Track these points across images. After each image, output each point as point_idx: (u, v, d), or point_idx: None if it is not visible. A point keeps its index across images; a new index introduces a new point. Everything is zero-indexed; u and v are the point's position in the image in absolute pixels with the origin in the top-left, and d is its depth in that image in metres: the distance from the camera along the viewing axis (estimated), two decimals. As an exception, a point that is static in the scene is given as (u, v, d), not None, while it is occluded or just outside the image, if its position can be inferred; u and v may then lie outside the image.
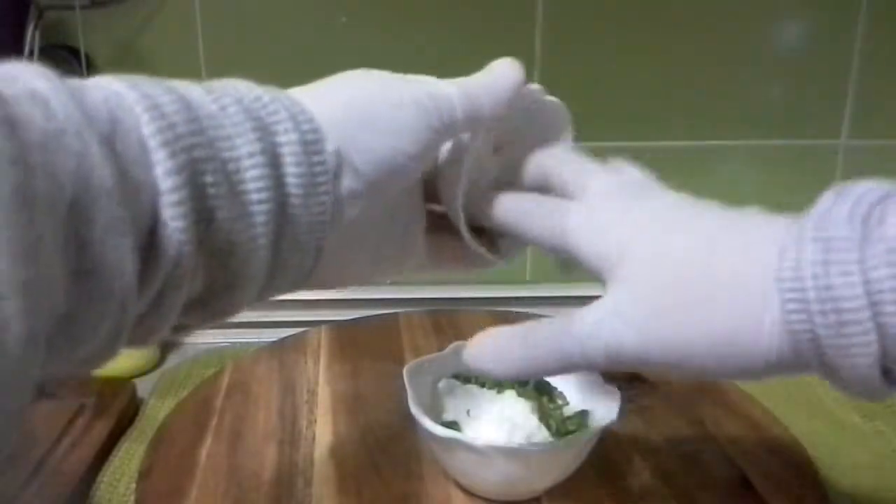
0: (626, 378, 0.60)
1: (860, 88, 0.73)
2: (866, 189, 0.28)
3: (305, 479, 0.49)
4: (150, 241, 0.25)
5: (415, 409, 0.46)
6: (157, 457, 0.51)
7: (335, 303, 0.75)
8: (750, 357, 0.29)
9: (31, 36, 0.64)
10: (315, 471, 0.49)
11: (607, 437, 0.50)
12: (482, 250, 0.37)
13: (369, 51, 0.69)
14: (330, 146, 0.29)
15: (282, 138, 0.29)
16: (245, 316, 0.82)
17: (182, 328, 0.30)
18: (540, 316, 0.71)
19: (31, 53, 0.64)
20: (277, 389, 0.59)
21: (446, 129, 0.33)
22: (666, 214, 0.32)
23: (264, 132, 0.28)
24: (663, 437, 0.53)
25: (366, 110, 0.31)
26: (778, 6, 0.71)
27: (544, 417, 0.46)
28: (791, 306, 0.27)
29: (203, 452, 0.51)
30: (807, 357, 0.28)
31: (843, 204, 0.28)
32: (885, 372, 0.28)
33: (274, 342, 0.67)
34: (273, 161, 0.28)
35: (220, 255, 0.28)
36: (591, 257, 0.32)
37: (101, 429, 0.55)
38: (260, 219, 0.28)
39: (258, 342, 0.68)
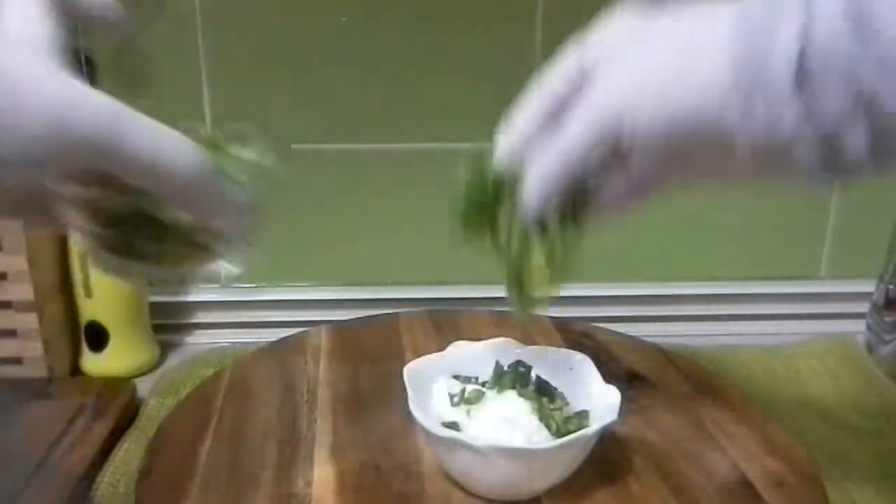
0: (626, 378, 0.60)
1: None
2: None
3: (305, 479, 0.49)
4: None
5: (415, 409, 0.46)
6: (157, 457, 0.51)
7: (335, 303, 0.74)
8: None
9: (31, 36, 0.64)
10: (315, 470, 0.49)
11: (607, 437, 0.50)
12: None
13: (369, 51, 0.69)
14: None
15: None
16: (245, 316, 0.82)
17: None
18: (540, 316, 0.71)
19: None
20: (277, 389, 0.59)
21: None
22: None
23: None
24: (663, 437, 0.53)
25: None
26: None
27: (544, 418, 0.46)
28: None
29: (203, 452, 0.51)
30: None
31: None
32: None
33: (274, 342, 0.67)
34: None
35: None
36: None
37: (101, 429, 0.55)
38: None
39: (258, 342, 0.68)
